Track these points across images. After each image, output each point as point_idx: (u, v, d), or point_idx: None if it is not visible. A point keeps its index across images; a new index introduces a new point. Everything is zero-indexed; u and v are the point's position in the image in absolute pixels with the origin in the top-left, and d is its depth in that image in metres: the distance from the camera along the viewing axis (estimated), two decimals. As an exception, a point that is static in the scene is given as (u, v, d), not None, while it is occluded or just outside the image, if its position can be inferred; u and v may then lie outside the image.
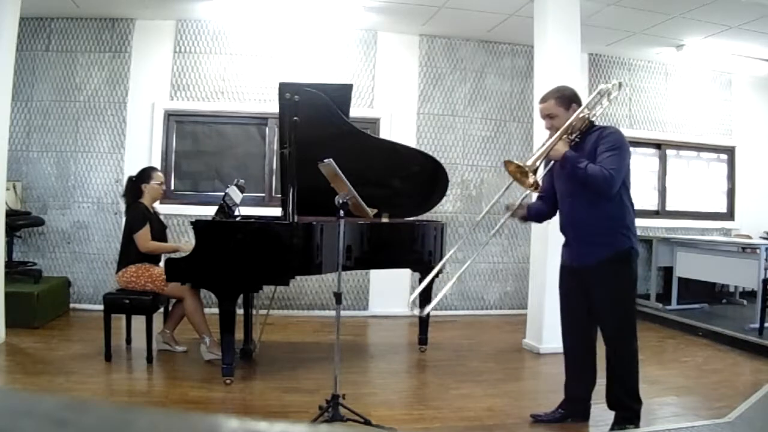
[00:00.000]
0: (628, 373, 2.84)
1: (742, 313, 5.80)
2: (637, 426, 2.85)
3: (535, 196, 3.17)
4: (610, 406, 2.90)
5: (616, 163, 2.69)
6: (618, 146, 2.74)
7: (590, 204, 2.80)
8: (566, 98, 2.87)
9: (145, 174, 4.05)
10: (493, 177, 6.10)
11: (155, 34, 5.57)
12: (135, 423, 0.40)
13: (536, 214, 3.15)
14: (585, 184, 2.72)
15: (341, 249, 2.93)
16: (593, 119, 2.90)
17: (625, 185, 2.84)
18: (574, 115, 2.80)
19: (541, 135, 4.54)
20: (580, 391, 3.02)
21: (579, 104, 2.87)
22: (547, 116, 2.88)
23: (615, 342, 2.84)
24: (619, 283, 2.82)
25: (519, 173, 2.74)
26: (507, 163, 2.76)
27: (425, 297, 4.23)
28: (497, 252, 6.09)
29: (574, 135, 2.84)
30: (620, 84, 2.93)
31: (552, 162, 2.93)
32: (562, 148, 2.76)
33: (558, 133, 2.79)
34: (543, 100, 2.92)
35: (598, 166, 2.68)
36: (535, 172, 2.76)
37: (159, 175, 4.09)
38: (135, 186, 4.02)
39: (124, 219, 4.06)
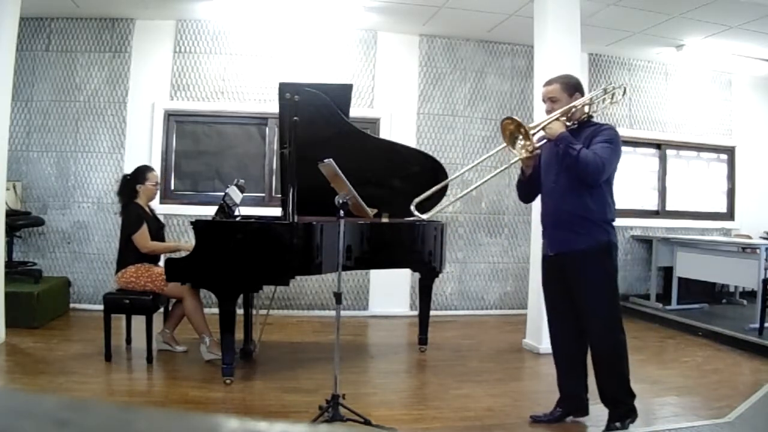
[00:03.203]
0: (617, 366, 2.83)
1: (742, 313, 5.80)
2: (633, 420, 2.85)
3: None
4: (605, 403, 2.90)
5: (608, 155, 2.73)
6: (613, 141, 2.78)
7: (573, 193, 2.82)
8: (571, 86, 2.91)
9: (140, 174, 4.02)
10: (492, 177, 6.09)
11: (155, 34, 5.57)
12: (135, 423, 0.40)
13: (534, 182, 3.01)
14: (575, 167, 2.73)
15: (341, 249, 2.93)
16: (593, 115, 2.94)
17: (609, 183, 2.87)
18: (579, 101, 2.85)
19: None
20: (574, 387, 3.02)
21: (582, 95, 2.92)
22: (549, 99, 2.91)
23: (600, 335, 2.84)
24: (599, 274, 2.82)
25: (513, 133, 2.78)
26: (507, 119, 2.77)
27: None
28: (497, 252, 6.10)
29: (570, 123, 2.86)
30: (625, 89, 2.98)
31: (542, 143, 2.92)
32: (558, 127, 2.79)
33: (557, 112, 2.83)
34: (548, 83, 2.95)
35: (592, 152, 2.71)
36: (530, 138, 2.79)
37: (154, 175, 4.07)
38: (130, 185, 4.00)
39: (121, 220, 4.04)
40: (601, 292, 2.83)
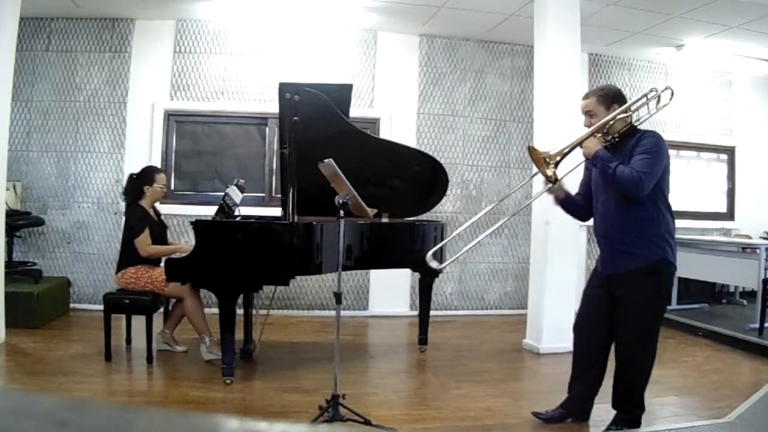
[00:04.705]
0: (638, 380, 2.81)
1: (742, 313, 5.80)
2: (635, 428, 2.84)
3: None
4: (614, 406, 2.89)
5: (648, 167, 2.63)
6: (653, 150, 2.67)
7: (621, 209, 2.74)
8: (608, 97, 2.82)
9: (148, 175, 4.01)
10: (493, 177, 6.10)
11: (155, 34, 5.56)
12: (135, 423, 0.40)
13: (572, 204, 3.02)
14: (614, 185, 2.67)
15: (341, 249, 2.93)
16: (637, 124, 2.83)
17: (662, 191, 2.77)
18: (612, 114, 2.75)
19: (541, 135, 4.56)
20: (583, 392, 3.00)
21: (621, 105, 2.80)
22: (586, 113, 2.85)
23: (631, 350, 2.79)
24: (645, 296, 2.74)
25: (541, 161, 2.73)
26: (530, 150, 2.75)
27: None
28: (497, 252, 6.09)
29: (611, 136, 2.77)
30: (672, 91, 2.83)
31: (585, 160, 2.87)
32: (593, 145, 2.71)
33: (590, 129, 2.76)
34: (585, 96, 2.89)
35: (629, 168, 2.62)
36: (556, 165, 2.73)
37: (162, 177, 4.07)
38: (136, 185, 3.99)
39: (124, 219, 4.04)
40: (642, 313, 2.75)
